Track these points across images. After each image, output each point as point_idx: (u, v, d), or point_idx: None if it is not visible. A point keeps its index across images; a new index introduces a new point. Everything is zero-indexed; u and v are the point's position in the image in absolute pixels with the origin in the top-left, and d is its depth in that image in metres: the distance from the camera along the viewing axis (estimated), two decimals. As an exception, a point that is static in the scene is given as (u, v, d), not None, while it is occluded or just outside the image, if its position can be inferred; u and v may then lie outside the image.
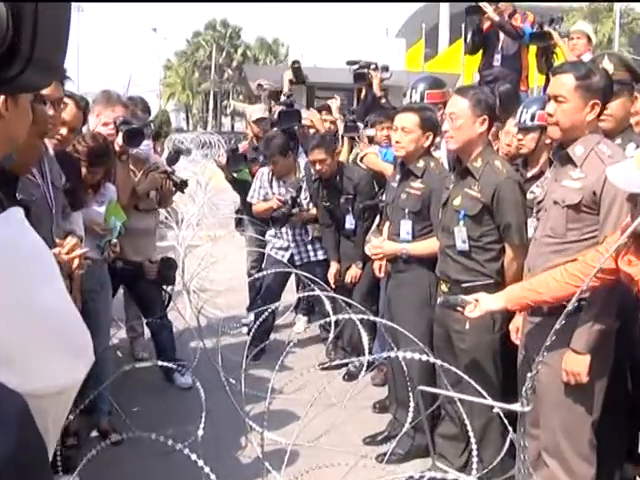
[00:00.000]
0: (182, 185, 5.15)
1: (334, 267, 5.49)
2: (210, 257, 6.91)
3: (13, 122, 1.90)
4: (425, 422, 3.33)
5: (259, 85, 7.23)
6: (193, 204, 9.61)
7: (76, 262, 2.88)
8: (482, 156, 3.42)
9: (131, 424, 3.91)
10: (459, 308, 3.07)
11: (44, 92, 2.99)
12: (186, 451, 2.44)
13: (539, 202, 3.13)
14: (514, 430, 2.71)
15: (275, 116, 6.30)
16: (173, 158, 5.23)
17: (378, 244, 4.20)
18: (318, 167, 5.30)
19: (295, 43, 17.05)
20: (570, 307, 2.21)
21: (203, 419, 3.14)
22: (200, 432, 3.00)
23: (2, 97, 1.82)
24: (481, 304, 2.96)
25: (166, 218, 7.79)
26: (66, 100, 3.46)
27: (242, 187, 6.63)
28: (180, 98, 64.65)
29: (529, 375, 2.26)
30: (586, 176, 2.80)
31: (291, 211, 5.55)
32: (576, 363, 2.76)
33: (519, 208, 3.29)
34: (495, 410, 2.45)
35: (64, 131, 3.55)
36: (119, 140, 4.19)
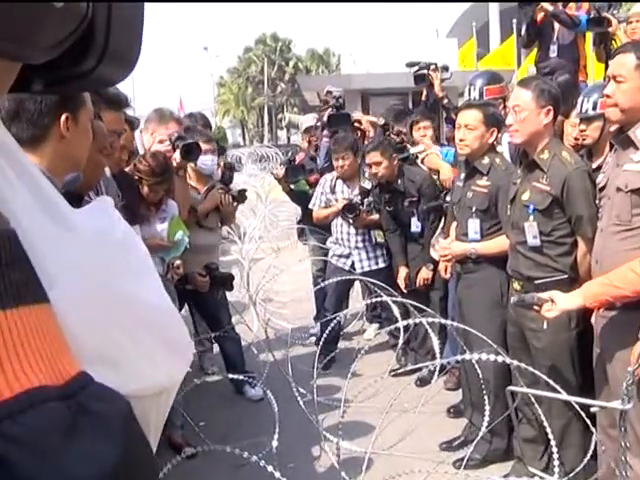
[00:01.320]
0: (241, 196, 5.18)
1: (403, 271, 5.41)
2: (274, 269, 6.93)
3: (74, 142, 1.93)
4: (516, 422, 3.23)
5: (328, 92, 7.23)
6: (254, 217, 9.70)
7: None
8: (549, 148, 3.32)
9: (205, 437, 3.92)
10: (535, 307, 2.97)
11: (109, 127, 3.02)
12: (262, 462, 2.42)
13: (601, 189, 3.02)
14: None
15: (325, 119, 6.30)
16: (228, 177, 5.24)
17: (446, 245, 4.13)
18: (374, 170, 5.24)
19: (346, 51, 17.03)
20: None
21: (277, 429, 3.13)
22: (275, 443, 2.99)
23: (64, 117, 1.85)
24: (558, 303, 2.85)
25: (229, 232, 7.87)
26: None
27: (301, 198, 6.64)
28: (235, 114, 65.48)
29: (629, 369, 2.14)
30: None
31: (360, 206, 5.51)
32: None
33: (590, 199, 3.17)
34: (593, 409, 2.34)
35: (124, 156, 3.59)
36: (176, 156, 4.24)
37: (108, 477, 0.67)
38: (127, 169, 3.86)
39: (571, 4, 6.28)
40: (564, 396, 2.80)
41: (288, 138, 52.21)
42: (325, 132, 6.59)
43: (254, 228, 9.02)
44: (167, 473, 2.69)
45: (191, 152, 4.26)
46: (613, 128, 3.32)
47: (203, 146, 4.77)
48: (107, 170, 3.36)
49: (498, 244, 3.77)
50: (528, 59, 7.75)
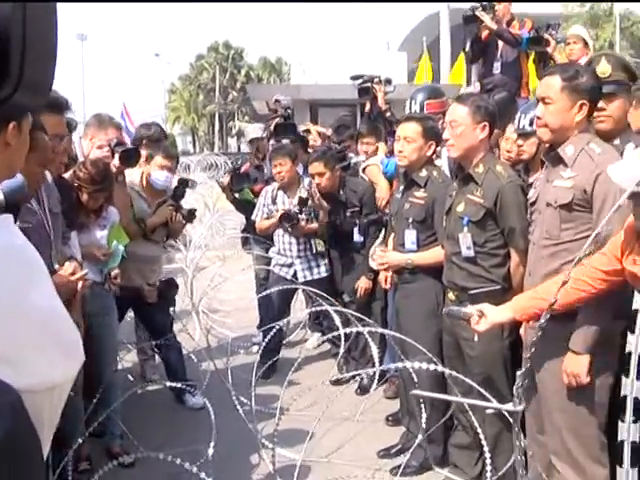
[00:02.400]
0: (190, 216, 5.17)
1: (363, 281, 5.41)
2: (219, 277, 6.91)
3: (16, 150, 1.91)
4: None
5: (276, 100, 7.27)
6: (201, 225, 9.65)
7: (80, 284, 2.89)
8: (484, 162, 3.42)
9: (140, 445, 3.90)
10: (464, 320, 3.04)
11: (51, 132, 3.01)
12: (195, 469, 2.42)
13: (532, 204, 3.12)
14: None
15: (271, 128, 6.34)
16: (180, 193, 5.22)
17: (383, 254, 4.19)
18: (317, 180, 5.30)
19: (296, 61, 17.12)
20: (552, 300, 2.20)
21: (213, 438, 3.13)
22: (210, 451, 2.99)
23: (12, 126, 1.84)
24: (488, 316, 2.91)
25: (174, 241, 7.81)
26: None
27: (245, 207, 6.64)
28: (186, 121, 65.15)
29: (518, 373, 2.22)
30: (577, 175, 2.80)
31: (298, 215, 5.54)
32: (575, 364, 2.73)
33: (522, 212, 3.26)
34: (488, 411, 2.42)
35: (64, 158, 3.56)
36: (115, 162, 4.22)
37: None
38: (66, 175, 3.82)
39: (514, 22, 6.46)
40: (461, 399, 2.87)
41: (238, 146, 52.17)
42: (272, 142, 6.63)
43: (200, 236, 8.97)
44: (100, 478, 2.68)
45: (130, 158, 4.24)
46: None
47: (161, 162, 4.76)
48: (48, 175, 3.34)
49: (434, 255, 3.85)
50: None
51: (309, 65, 16.02)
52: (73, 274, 2.90)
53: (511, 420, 2.52)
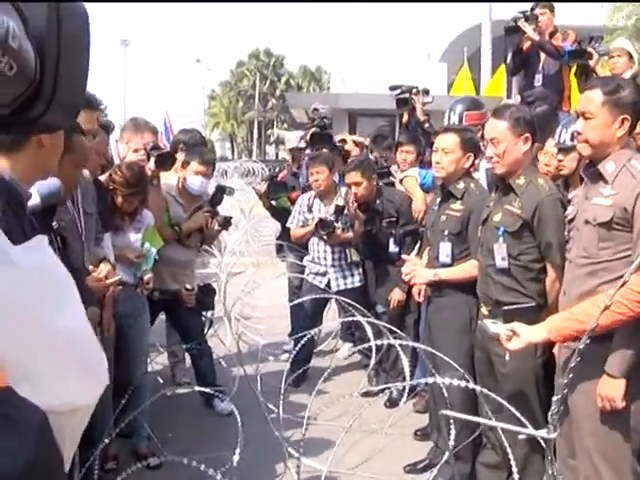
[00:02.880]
0: (226, 223, 5.18)
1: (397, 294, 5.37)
2: (252, 284, 6.92)
3: (50, 152, 1.94)
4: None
5: (315, 109, 7.30)
6: (236, 231, 9.69)
7: (111, 289, 2.92)
8: (525, 174, 3.35)
9: (166, 448, 3.90)
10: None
11: (84, 127, 3.05)
12: (219, 476, 2.40)
13: (570, 221, 3.04)
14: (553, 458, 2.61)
15: (308, 137, 6.34)
16: (217, 199, 5.25)
17: (412, 267, 4.13)
18: (354, 190, 5.28)
19: (336, 70, 17.15)
20: (592, 326, 2.12)
21: (239, 445, 3.11)
22: (236, 457, 2.97)
23: None
24: (522, 335, 2.85)
25: (209, 246, 7.84)
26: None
27: (281, 214, 6.65)
28: (225, 128, 65.61)
29: (554, 399, 2.15)
30: (617, 192, 2.71)
31: (334, 223, 5.53)
32: (611, 388, 2.65)
33: (561, 227, 3.19)
34: (521, 436, 2.34)
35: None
36: (151, 165, 4.25)
37: (18, 470, 0.85)
38: (102, 178, 3.86)
39: (557, 34, 6.37)
40: (493, 422, 2.80)
41: (276, 154, 52.40)
42: (308, 151, 6.63)
43: (235, 242, 9.01)
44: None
45: (165, 162, 4.27)
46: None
47: (197, 167, 4.79)
48: (86, 173, 3.38)
49: (463, 270, 3.80)
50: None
51: (349, 74, 16.03)
52: (107, 277, 2.93)
53: (544, 445, 2.45)
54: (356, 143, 6.82)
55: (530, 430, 2.31)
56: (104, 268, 2.97)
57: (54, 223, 2.58)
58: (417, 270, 4.09)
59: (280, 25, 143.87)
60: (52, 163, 1.97)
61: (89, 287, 2.81)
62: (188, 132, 5.64)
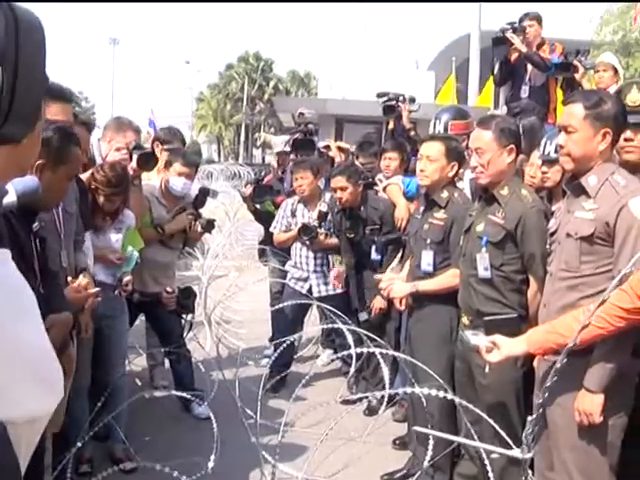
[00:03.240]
0: (209, 226, 5.16)
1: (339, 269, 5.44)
2: (235, 288, 6.87)
3: (27, 149, 1.89)
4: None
5: (300, 114, 7.29)
6: (220, 234, 9.63)
7: (89, 301, 2.89)
8: (509, 184, 3.34)
9: (143, 452, 3.86)
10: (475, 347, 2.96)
11: (55, 118, 3.00)
12: (192, 483, 2.37)
13: (552, 234, 3.03)
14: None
15: (291, 143, 6.33)
16: (200, 201, 5.23)
17: (387, 283, 4.12)
18: (339, 195, 5.25)
19: (324, 75, 17.15)
20: (571, 344, 2.10)
21: (214, 450, 3.08)
22: (210, 464, 2.94)
23: None
24: (502, 348, 2.83)
25: (192, 248, 7.80)
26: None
27: (265, 218, 6.62)
28: (212, 130, 65.51)
29: (529, 419, 2.12)
30: (599, 207, 2.71)
31: (317, 229, 5.51)
32: (589, 402, 2.63)
33: (544, 238, 3.17)
34: (493, 456, 2.31)
35: None
36: (133, 164, 4.20)
37: None
38: (83, 177, 3.81)
39: (545, 46, 6.40)
40: (462, 440, 2.77)
41: (263, 158, 52.25)
42: (292, 156, 6.62)
43: (218, 244, 8.96)
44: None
45: (147, 162, 4.23)
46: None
47: (180, 169, 4.75)
48: None
49: (441, 282, 3.79)
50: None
51: (337, 80, 16.02)
52: (86, 288, 2.90)
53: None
54: (341, 149, 6.80)
55: (504, 450, 2.28)
56: (83, 279, 2.94)
57: (35, 224, 2.53)
58: (395, 284, 4.07)
59: (270, 29, 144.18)
60: (28, 161, 1.93)
61: (64, 291, 2.76)
62: (167, 129, 5.59)
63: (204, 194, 5.32)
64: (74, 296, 2.78)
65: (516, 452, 2.11)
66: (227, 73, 65.53)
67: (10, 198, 2.17)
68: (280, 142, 7.61)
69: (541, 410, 2.30)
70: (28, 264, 2.39)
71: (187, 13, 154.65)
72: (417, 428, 2.94)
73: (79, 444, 2.88)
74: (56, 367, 1.11)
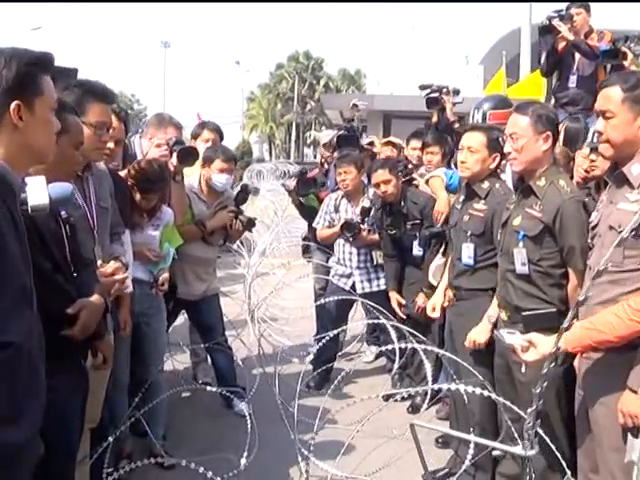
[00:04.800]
0: (249, 224, 5.16)
1: (394, 298, 5.36)
2: (281, 284, 6.86)
3: (31, 132, 1.89)
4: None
5: (354, 105, 7.29)
6: (267, 232, 9.65)
7: (116, 286, 2.88)
8: (546, 175, 3.23)
9: (183, 448, 3.87)
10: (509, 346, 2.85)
11: (97, 119, 3.01)
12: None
13: (593, 227, 2.89)
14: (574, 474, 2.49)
15: (334, 140, 6.28)
16: (241, 198, 5.24)
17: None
18: (383, 189, 5.18)
19: (372, 71, 17.07)
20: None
21: (247, 447, 3.07)
22: (243, 461, 2.92)
23: (14, 105, 1.81)
24: (538, 346, 2.73)
25: (238, 246, 7.83)
26: None
27: (309, 213, 6.58)
28: (263, 129, 65.85)
29: (528, 411, 1.99)
30: None
31: (360, 225, 5.45)
32: (633, 403, 2.49)
33: (583, 230, 3.05)
34: (495, 452, 2.19)
35: (111, 145, 3.53)
36: (173, 160, 4.20)
37: None
38: (122, 173, 3.83)
39: (593, 34, 6.21)
40: (466, 436, 2.66)
41: (314, 156, 52.40)
42: (336, 153, 6.58)
43: (264, 242, 8.97)
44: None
45: (188, 157, 4.22)
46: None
47: (221, 165, 4.76)
48: (101, 165, 3.35)
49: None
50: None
51: (385, 76, 15.93)
52: (113, 274, 2.89)
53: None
54: (392, 144, 6.73)
55: (505, 446, 2.17)
56: (111, 265, 2.94)
57: (62, 212, 2.52)
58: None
59: (320, 28, 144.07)
60: (38, 143, 1.92)
61: (98, 279, 2.77)
62: (204, 125, 5.62)
63: (245, 191, 5.34)
64: (102, 280, 2.78)
65: (518, 449, 2.00)
66: (277, 72, 65.77)
67: (42, 200, 2.16)
68: (326, 135, 7.61)
69: (541, 402, 2.15)
70: (60, 252, 2.40)
71: (237, 14, 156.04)
72: (417, 422, 2.81)
73: (110, 438, 2.88)
74: None
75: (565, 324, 1.92)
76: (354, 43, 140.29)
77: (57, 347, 2.08)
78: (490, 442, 2.31)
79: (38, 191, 2.07)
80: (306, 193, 6.52)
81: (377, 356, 6.39)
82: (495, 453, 2.35)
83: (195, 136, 5.49)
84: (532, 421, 1.91)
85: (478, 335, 3.64)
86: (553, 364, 2.16)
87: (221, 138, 5.53)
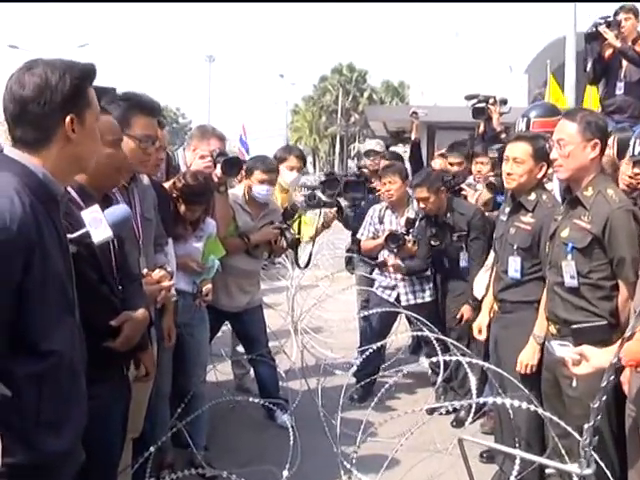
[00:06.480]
0: (294, 243, 5.16)
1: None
2: (324, 296, 6.84)
3: (81, 144, 1.91)
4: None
5: (413, 112, 7.31)
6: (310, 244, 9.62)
7: (162, 294, 2.90)
8: (593, 184, 3.15)
9: (226, 460, 3.87)
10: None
11: (143, 132, 3.03)
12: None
13: None
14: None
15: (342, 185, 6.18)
16: (289, 215, 5.27)
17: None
18: (422, 205, 5.18)
19: (415, 82, 17.02)
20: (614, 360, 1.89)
21: (289, 459, 3.05)
22: (285, 473, 2.90)
23: (69, 119, 1.84)
24: (591, 359, 2.64)
25: (282, 259, 7.83)
26: None
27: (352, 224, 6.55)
28: (307, 142, 66.09)
29: (585, 427, 1.89)
30: None
31: (405, 236, 5.41)
32: None
33: (634, 241, 2.97)
34: (548, 470, 2.10)
35: (159, 155, 3.55)
36: (217, 171, 4.22)
37: None
38: (166, 185, 3.86)
39: (640, 40, 6.08)
40: (517, 452, 2.58)
41: (358, 167, 52.33)
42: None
43: (308, 254, 8.96)
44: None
45: (232, 167, 4.24)
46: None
47: (261, 176, 4.77)
48: (145, 179, 3.38)
49: None
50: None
51: (428, 87, 15.86)
52: (159, 282, 2.91)
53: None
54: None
55: (559, 464, 2.08)
56: (157, 273, 2.96)
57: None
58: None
59: (363, 40, 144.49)
60: (86, 154, 1.94)
61: (144, 293, 2.79)
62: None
63: (294, 209, 5.36)
64: (147, 288, 2.80)
65: (573, 467, 1.91)
66: (321, 85, 66.07)
67: (105, 235, 2.19)
68: (369, 143, 7.63)
69: (599, 417, 2.04)
70: (107, 263, 2.41)
71: (281, 28, 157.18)
72: (464, 437, 2.74)
73: (152, 448, 2.89)
74: None
75: (627, 333, 1.84)
76: (397, 54, 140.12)
77: (100, 356, 2.09)
78: (544, 460, 2.23)
79: (99, 223, 2.10)
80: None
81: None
82: (548, 471, 2.25)
83: (280, 160, 5.58)
84: (589, 437, 1.82)
85: (528, 357, 3.56)
86: (613, 376, 2.09)
87: (304, 164, 5.66)
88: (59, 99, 1.80)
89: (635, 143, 3.48)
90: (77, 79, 1.85)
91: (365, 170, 7.17)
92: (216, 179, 4.24)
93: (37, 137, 1.80)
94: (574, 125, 3.17)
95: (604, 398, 1.91)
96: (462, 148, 6.22)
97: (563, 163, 3.19)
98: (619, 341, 2.21)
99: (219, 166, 4.20)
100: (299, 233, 5.73)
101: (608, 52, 6.06)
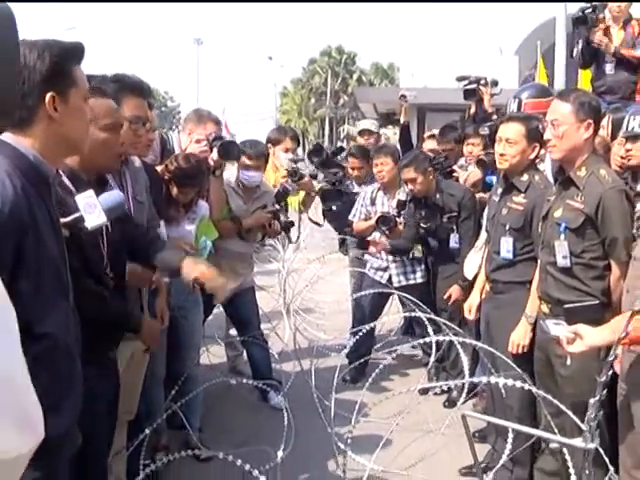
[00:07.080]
0: (287, 226, 5.17)
1: None
2: (316, 278, 6.85)
3: (66, 123, 1.89)
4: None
5: (402, 96, 7.30)
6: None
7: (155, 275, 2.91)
8: (587, 165, 3.16)
9: (221, 441, 3.89)
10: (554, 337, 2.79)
11: (133, 113, 3.02)
12: (256, 472, 2.34)
13: (639, 217, 2.83)
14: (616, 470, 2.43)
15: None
16: (281, 196, 5.27)
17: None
18: (410, 186, 5.17)
19: (405, 64, 16.96)
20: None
21: (284, 440, 3.07)
22: (280, 453, 2.92)
23: (48, 97, 1.81)
24: (585, 337, 2.67)
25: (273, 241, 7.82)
26: None
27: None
28: (296, 124, 65.82)
29: (591, 402, 1.91)
30: None
31: (396, 218, 5.42)
32: None
33: (626, 220, 2.99)
34: (552, 445, 2.11)
35: (150, 135, 3.54)
36: (214, 155, 4.20)
37: None
38: (158, 168, 3.85)
39: (633, 22, 6.04)
40: (517, 426, 2.60)
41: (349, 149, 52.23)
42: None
43: (299, 236, 8.96)
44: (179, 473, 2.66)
45: (229, 151, 4.22)
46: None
47: (246, 162, 4.76)
48: (137, 161, 3.37)
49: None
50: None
51: (418, 69, 15.82)
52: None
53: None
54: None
55: (564, 439, 2.10)
56: None
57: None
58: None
59: (352, 22, 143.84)
60: (74, 134, 1.91)
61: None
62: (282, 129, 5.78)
63: (285, 190, 5.37)
64: (133, 272, 2.80)
65: (577, 441, 1.93)
66: (310, 67, 65.81)
67: (100, 220, 2.18)
68: (363, 123, 7.62)
69: (604, 392, 2.07)
70: (94, 253, 2.41)
71: (268, 10, 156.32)
72: (468, 413, 2.76)
73: (147, 430, 2.90)
74: (32, 400, 1.02)
75: (637, 307, 1.85)
76: (386, 36, 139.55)
77: (85, 338, 2.07)
78: (547, 434, 2.25)
79: (93, 209, 2.09)
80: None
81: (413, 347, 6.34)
82: (552, 446, 2.28)
83: (275, 142, 5.56)
84: (595, 412, 1.83)
85: (520, 337, 3.58)
86: (619, 349, 2.09)
87: (298, 144, 5.64)
88: (38, 78, 1.79)
89: (629, 119, 3.48)
90: (57, 57, 1.82)
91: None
92: (212, 163, 4.22)
93: (21, 116, 1.78)
94: (568, 105, 3.18)
95: (610, 372, 1.93)
96: (453, 132, 6.21)
97: (557, 143, 3.20)
98: (627, 315, 2.21)
99: (215, 150, 4.19)
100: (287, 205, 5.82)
101: (597, 36, 6.01)
